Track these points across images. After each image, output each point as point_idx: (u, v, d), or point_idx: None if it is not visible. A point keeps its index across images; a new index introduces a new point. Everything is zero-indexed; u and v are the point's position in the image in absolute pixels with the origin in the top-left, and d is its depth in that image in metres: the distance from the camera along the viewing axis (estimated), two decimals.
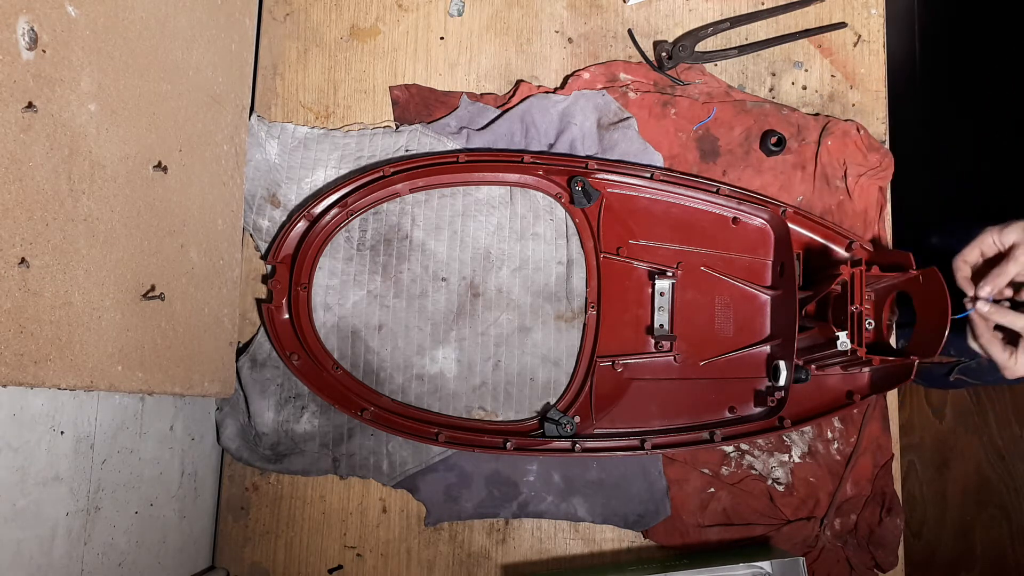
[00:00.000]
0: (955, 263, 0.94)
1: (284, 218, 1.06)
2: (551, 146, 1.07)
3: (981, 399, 1.86)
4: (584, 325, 1.04)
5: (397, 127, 1.08)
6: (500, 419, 1.04)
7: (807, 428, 1.05)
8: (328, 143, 1.07)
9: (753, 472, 1.05)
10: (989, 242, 0.92)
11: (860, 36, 1.12)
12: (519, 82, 1.09)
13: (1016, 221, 0.90)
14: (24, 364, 0.63)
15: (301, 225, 1.04)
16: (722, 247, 1.05)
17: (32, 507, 0.72)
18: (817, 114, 1.10)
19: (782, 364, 0.97)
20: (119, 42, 0.76)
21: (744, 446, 1.05)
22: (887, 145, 1.10)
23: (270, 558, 1.06)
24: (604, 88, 1.08)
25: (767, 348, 1.04)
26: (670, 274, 1.03)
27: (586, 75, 1.09)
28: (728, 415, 1.04)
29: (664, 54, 1.08)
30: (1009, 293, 0.92)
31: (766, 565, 0.98)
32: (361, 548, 1.06)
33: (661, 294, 1.04)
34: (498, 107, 1.08)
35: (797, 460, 1.06)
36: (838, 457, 1.06)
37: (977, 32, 1.93)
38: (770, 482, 1.05)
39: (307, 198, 1.06)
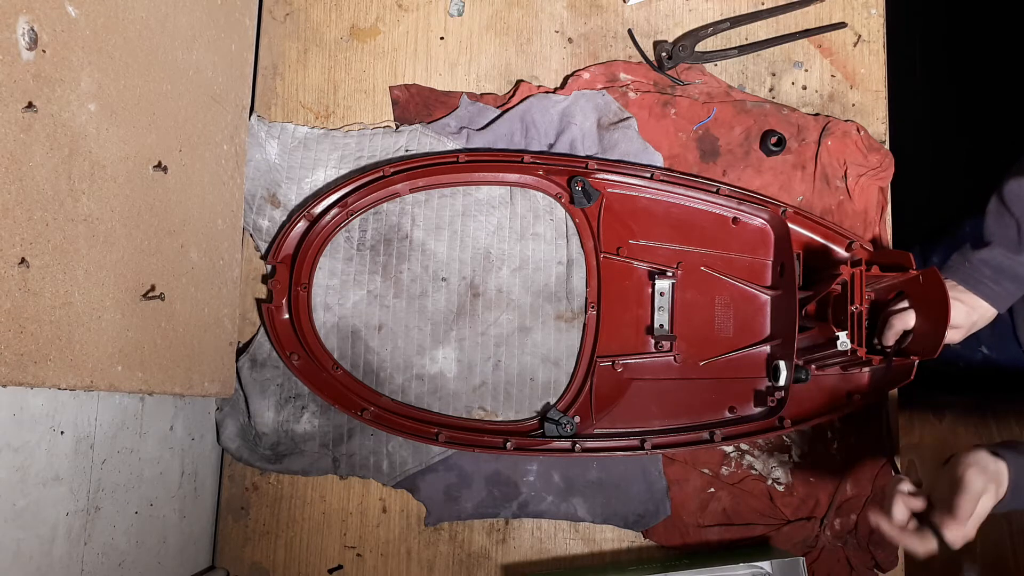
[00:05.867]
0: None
1: (284, 218, 1.06)
2: (551, 146, 1.07)
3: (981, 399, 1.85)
4: (584, 325, 1.04)
5: (397, 127, 1.08)
6: (500, 419, 1.04)
7: (807, 428, 1.05)
8: (328, 143, 1.07)
9: (753, 472, 1.05)
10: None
11: (860, 36, 1.12)
12: (519, 82, 1.09)
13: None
14: (24, 364, 0.63)
15: (301, 225, 1.04)
16: (722, 247, 1.05)
17: (32, 507, 0.72)
18: (817, 114, 1.10)
19: (782, 364, 0.97)
20: (119, 42, 0.76)
21: (744, 446, 1.05)
22: (887, 145, 1.10)
23: (270, 558, 1.06)
24: (604, 88, 1.08)
25: (767, 348, 1.04)
26: (670, 274, 1.03)
27: (586, 75, 1.09)
28: (728, 415, 1.04)
29: (664, 54, 1.08)
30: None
31: (766, 565, 0.98)
32: (361, 548, 1.06)
33: (661, 294, 1.04)
34: (498, 107, 1.08)
35: (797, 460, 1.06)
36: (838, 457, 1.05)
37: (977, 32, 1.93)
38: (770, 482, 1.05)
39: (307, 198, 1.06)
